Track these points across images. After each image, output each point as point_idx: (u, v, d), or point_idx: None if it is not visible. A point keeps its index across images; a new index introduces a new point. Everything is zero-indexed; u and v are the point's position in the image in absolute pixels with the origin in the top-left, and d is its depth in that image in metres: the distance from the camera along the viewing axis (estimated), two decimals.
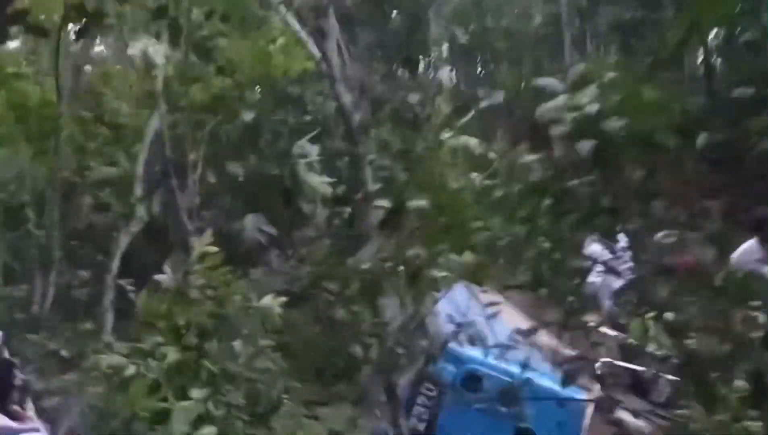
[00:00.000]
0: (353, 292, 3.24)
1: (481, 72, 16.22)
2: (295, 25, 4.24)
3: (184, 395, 3.98)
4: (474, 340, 4.05)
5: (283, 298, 4.95)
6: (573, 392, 3.98)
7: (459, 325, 3.90)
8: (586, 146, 2.12)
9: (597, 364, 4.16)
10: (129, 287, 5.52)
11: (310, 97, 5.02)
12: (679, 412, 3.52)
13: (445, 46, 13.56)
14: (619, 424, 3.76)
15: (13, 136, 8.01)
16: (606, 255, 5.67)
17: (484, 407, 3.73)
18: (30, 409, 2.22)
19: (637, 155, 2.23)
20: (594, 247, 5.40)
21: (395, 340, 3.83)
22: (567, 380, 3.78)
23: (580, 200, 2.33)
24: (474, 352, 3.94)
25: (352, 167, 3.28)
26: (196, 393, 3.85)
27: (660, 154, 2.24)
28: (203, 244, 4.67)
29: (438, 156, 3.20)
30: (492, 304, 4.59)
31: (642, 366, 4.33)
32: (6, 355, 2.26)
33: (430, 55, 12.32)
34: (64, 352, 4.93)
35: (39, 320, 5.84)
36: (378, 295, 3.26)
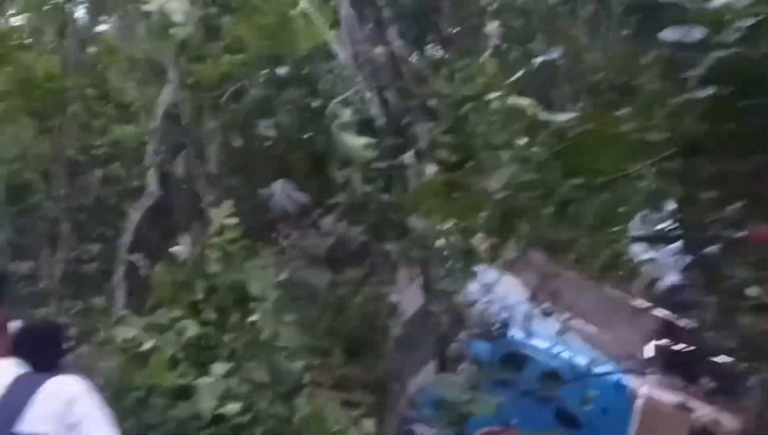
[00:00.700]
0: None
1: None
2: None
3: (204, 371, 3.82)
4: (514, 321, 3.88)
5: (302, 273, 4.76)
6: (621, 376, 3.80)
7: (498, 305, 3.73)
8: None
9: (649, 347, 3.99)
10: (141, 262, 5.36)
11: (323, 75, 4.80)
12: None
13: None
14: (670, 409, 3.58)
15: (18, 112, 7.88)
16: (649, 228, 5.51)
17: (524, 389, 3.55)
18: None
19: None
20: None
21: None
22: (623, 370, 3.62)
23: None
24: (515, 333, 3.76)
25: (391, 129, 3.08)
26: (217, 368, 3.68)
27: None
28: (222, 215, 4.50)
29: (485, 117, 2.99)
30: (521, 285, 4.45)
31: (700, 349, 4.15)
32: None
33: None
34: (74, 328, 4.77)
35: (47, 295, 5.68)
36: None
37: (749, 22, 1.81)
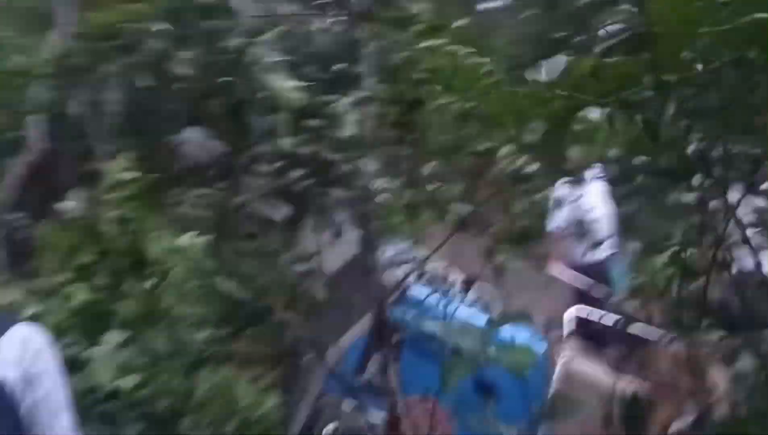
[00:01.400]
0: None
1: None
2: None
3: (96, 341, 3.51)
4: (433, 287, 3.81)
5: (207, 236, 4.49)
6: (536, 343, 3.82)
7: (416, 270, 3.63)
8: None
9: (567, 314, 4.05)
10: (23, 221, 4.90)
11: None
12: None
13: None
14: (590, 377, 3.64)
15: None
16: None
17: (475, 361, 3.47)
18: None
19: None
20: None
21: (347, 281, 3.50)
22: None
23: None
24: (432, 301, 3.68)
25: (324, 73, 2.83)
26: (111, 338, 3.38)
27: None
28: (119, 168, 4.14)
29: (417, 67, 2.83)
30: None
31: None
32: None
33: None
34: None
35: None
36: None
37: None
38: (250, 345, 5.35)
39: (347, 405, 3.39)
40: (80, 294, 3.60)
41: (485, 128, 2.55)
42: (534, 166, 2.89)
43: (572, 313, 4.07)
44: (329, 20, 3.19)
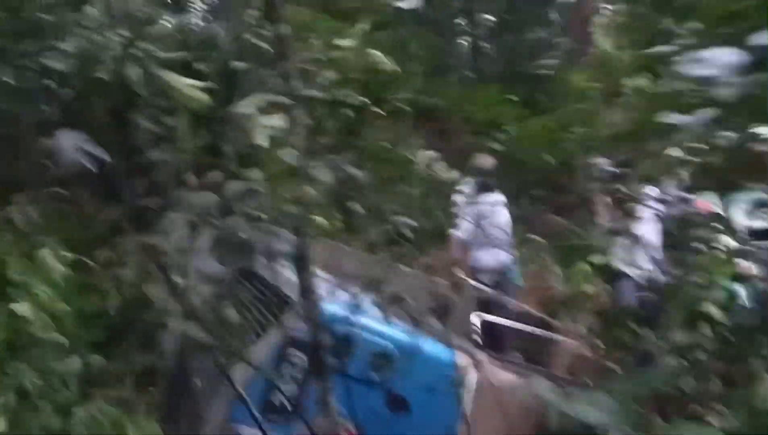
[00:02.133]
0: None
1: None
2: None
3: None
4: (336, 298, 3.67)
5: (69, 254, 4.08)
6: (446, 354, 3.80)
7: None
8: None
9: (474, 322, 4.06)
10: None
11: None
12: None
13: None
14: (507, 385, 3.67)
15: None
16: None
17: (354, 374, 3.37)
18: None
19: None
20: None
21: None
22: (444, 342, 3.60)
23: None
24: (339, 313, 3.56)
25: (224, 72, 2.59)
26: None
27: None
28: None
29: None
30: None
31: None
32: None
33: None
34: None
35: None
36: None
37: None
38: (127, 370, 4.93)
39: (254, 434, 3.17)
40: None
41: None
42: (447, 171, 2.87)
43: (477, 318, 4.11)
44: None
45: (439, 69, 9.60)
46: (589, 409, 1.88)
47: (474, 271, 5.16)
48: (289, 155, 2.25)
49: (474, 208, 5.42)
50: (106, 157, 2.62)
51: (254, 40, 2.49)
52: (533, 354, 4.12)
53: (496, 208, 5.40)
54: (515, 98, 8.91)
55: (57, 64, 2.59)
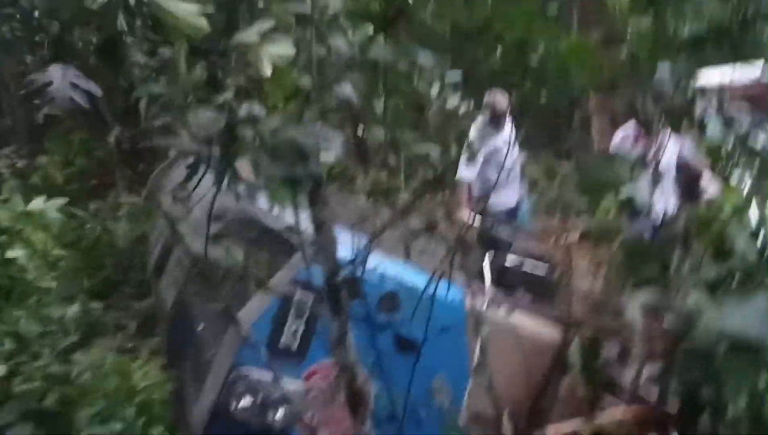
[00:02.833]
0: None
1: None
2: None
3: None
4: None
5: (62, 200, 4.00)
6: (457, 295, 3.77)
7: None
8: None
9: (485, 263, 4.02)
10: None
11: None
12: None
13: None
14: (512, 325, 3.64)
15: None
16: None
17: (362, 316, 3.33)
18: None
19: None
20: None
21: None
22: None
23: None
24: (347, 255, 3.51)
25: None
26: None
27: None
28: None
29: None
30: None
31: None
32: None
33: None
34: None
35: None
36: None
37: None
38: (127, 318, 4.90)
39: (262, 376, 3.15)
40: None
41: None
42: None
43: (488, 260, 4.06)
44: None
45: None
46: (742, 319, 1.77)
47: (484, 211, 5.07)
48: (298, 80, 2.14)
49: (486, 145, 5.32)
50: (98, 93, 2.50)
51: None
52: (543, 295, 4.09)
53: (508, 146, 5.29)
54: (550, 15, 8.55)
55: None
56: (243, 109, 2.12)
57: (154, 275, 4.52)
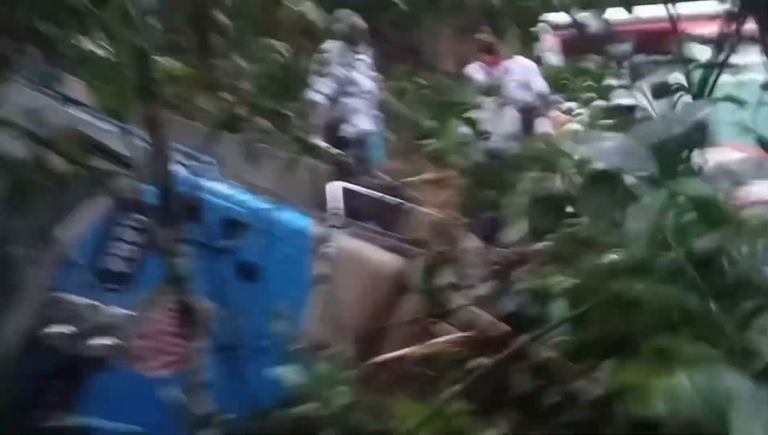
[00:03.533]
0: None
1: None
2: None
3: None
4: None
5: None
6: (301, 221, 3.70)
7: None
8: None
9: (331, 187, 3.94)
10: None
11: None
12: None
13: None
14: (356, 251, 3.64)
15: None
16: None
17: (201, 241, 3.18)
18: None
19: None
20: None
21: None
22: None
23: None
24: (186, 176, 3.32)
25: None
26: None
27: None
28: None
29: None
30: None
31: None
32: None
33: None
34: None
35: None
36: None
37: None
38: None
39: (83, 302, 2.93)
40: None
41: None
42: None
43: (336, 186, 4.02)
44: None
45: None
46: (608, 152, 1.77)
47: (335, 138, 5.00)
48: None
49: (339, 68, 5.18)
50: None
51: None
52: (391, 223, 4.14)
53: (362, 69, 5.19)
54: None
55: None
56: None
57: None
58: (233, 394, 2.98)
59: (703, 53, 2.65)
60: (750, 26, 2.56)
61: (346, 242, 3.63)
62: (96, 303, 3.02)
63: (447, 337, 3.15)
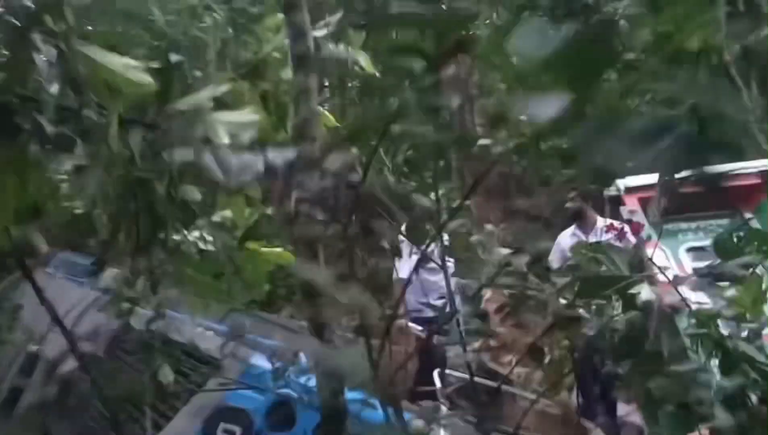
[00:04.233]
0: None
1: None
2: None
3: None
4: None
5: None
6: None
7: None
8: None
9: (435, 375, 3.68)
10: None
11: None
12: None
13: None
14: None
15: None
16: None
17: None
18: None
19: None
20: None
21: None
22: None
23: None
24: (269, 373, 3.14)
25: None
26: None
27: None
28: None
29: None
30: None
31: None
32: None
33: None
34: None
35: None
36: None
37: None
38: None
39: None
40: None
41: None
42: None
43: (438, 373, 3.76)
44: None
45: None
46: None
47: (414, 317, 4.72)
48: None
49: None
50: None
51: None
52: (490, 410, 3.79)
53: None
54: None
55: None
56: None
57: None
58: None
59: None
60: None
61: None
62: None
63: None
